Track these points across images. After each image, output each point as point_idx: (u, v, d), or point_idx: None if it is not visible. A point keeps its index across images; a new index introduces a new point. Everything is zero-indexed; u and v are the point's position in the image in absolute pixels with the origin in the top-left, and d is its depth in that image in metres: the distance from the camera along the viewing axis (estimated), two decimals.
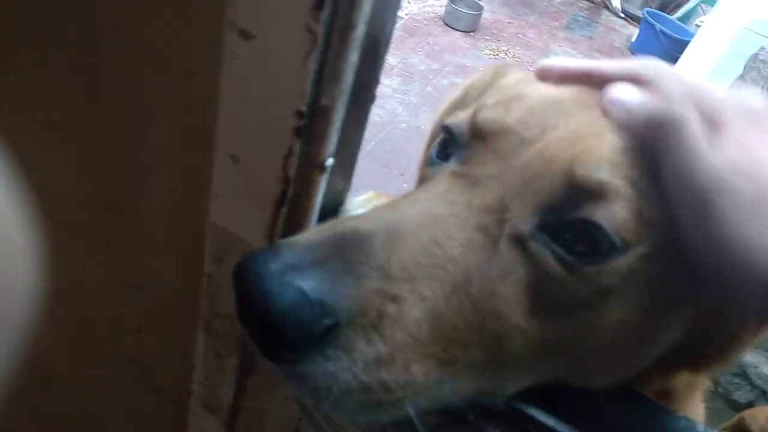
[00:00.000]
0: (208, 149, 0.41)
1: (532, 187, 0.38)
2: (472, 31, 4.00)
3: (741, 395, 1.70)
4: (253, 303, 0.33)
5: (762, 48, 2.05)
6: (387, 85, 3.23)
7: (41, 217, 0.58)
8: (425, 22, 3.96)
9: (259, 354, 0.35)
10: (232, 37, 0.34)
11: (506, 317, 0.37)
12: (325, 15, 0.31)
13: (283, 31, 0.32)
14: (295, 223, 0.43)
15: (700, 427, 0.42)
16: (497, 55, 3.86)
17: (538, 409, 0.43)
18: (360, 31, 0.33)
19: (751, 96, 0.38)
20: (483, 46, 3.92)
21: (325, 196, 0.44)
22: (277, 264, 0.33)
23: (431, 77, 3.46)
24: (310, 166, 0.39)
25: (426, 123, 3.10)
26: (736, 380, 1.70)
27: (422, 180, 0.48)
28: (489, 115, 0.42)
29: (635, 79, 0.39)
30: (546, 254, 0.37)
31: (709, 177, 0.33)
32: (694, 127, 0.34)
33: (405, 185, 2.75)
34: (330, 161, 0.39)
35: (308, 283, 0.33)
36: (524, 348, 0.38)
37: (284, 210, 0.42)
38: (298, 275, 0.33)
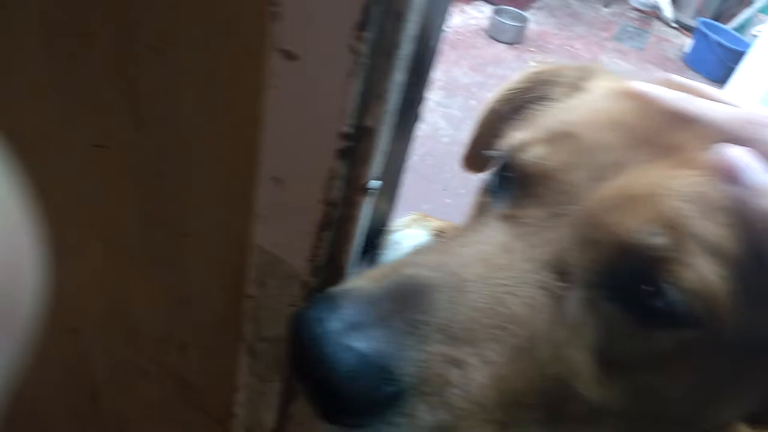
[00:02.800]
0: (251, 171, 0.41)
1: (590, 250, 0.35)
2: (516, 43, 3.95)
3: None
4: (311, 367, 0.32)
5: None
6: (430, 98, 3.22)
7: (92, 236, 0.58)
8: (469, 35, 3.94)
9: (318, 415, 0.34)
10: (275, 58, 0.33)
11: (571, 381, 0.35)
12: (368, 34, 0.30)
13: (326, 52, 0.31)
14: (338, 247, 0.42)
15: None
16: None
17: None
18: (405, 50, 0.31)
19: None
20: (528, 57, 3.87)
21: (369, 217, 0.42)
22: (335, 322, 0.32)
23: (475, 90, 3.43)
24: (354, 188, 0.38)
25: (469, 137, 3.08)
26: None
27: (479, 209, 0.45)
28: (534, 154, 0.40)
29: (737, 138, 0.35)
30: (617, 316, 0.35)
31: None
32: None
33: (447, 200, 2.72)
34: (374, 183, 0.38)
35: (370, 345, 0.31)
36: (585, 410, 0.36)
37: (328, 233, 0.40)
38: (359, 336, 0.31)
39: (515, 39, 3.95)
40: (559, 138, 0.40)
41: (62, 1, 0.44)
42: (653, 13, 4.90)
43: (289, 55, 0.33)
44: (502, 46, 3.90)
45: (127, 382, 0.79)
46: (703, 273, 0.32)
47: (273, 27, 0.32)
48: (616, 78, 0.49)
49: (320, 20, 0.30)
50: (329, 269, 0.43)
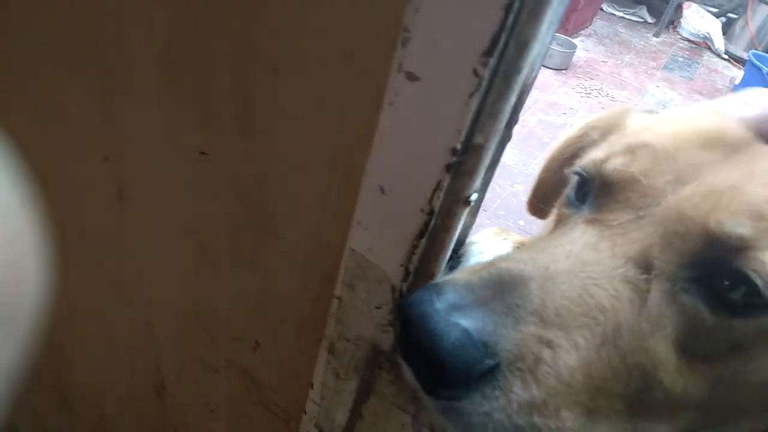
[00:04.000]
0: (356, 178, 0.44)
1: (674, 243, 0.38)
2: (564, 69, 3.96)
3: None
4: (420, 341, 0.35)
5: None
6: None
7: (184, 235, 0.62)
8: None
9: (418, 389, 0.37)
10: (398, 78, 0.36)
11: (653, 372, 0.37)
12: (493, 60, 0.33)
13: (450, 75, 0.34)
14: (431, 255, 0.44)
15: None
16: (590, 93, 3.80)
17: None
18: (523, 75, 0.34)
19: None
20: (575, 84, 3.87)
21: None
22: (442, 303, 0.35)
23: (520, 114, 3.45)
24: (455, 200, 0.41)
25: (511, 160, 3.08)
26: None
27: (559, 220, 0.48)
28: (615, 164, 0.43)
29: None
30: (699, 306, 0.37)
31: None
32: None
33: (488, 221, 2.73)
34: (475, 196, 0.41)
35: (472, 323, 0.34)
36: (665, 401, 0.38)
37: (423, 241, 0.43)
38: (462, 315, 0.35)
39: (562, 65, 3.96)
40: (637, 148, 0.43)
41: (187, 16, 0.49)
42: (704, 44, 4.84)
43: (412, 77, 0.36)
44: (549, 72, 3.92)
45: (193, 377, 0.83)
46: None
47: (399, 51, 0.35)
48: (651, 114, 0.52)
49: (448, 45, 0.34)
50: (419, 275, 0.46)
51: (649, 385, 0.38)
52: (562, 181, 0.58)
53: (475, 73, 0.34)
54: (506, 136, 0.45)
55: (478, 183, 0.40)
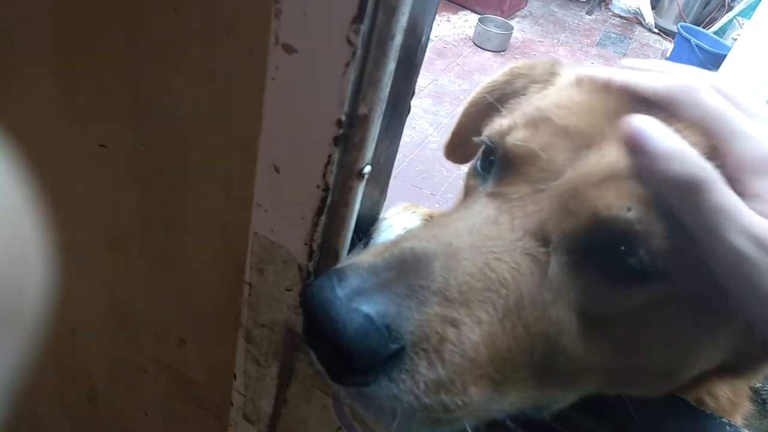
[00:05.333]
0: (250, 160, 0.43)
1: (567, 219, 0.38)
2: (502, 51, 4.01)
3: None
4: (323, 329, 0.34)
5: None
6: (417, 106, 3.26)
7: (93, 234, 0.60)
8: (455, 43, 4.00)
9: (326, 377, 0.36)
10: (276, 52, 0.36)
11: (556, 339, 0.38)
12: (364, 27, 0.32)
13: (325, 44, 0.34)
14: (333, 231, 0.44)
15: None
16: None
17: (581, 416, 0.42)
18: (397, 41, 0.34)
19: None
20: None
21: (362, 205, 0.45)
22: (343, 290, 0.35)
23: (461, 98, 3.48)
24: (349, 173, 0.40)
25: None
26: None
27: (467, 192, 0.49)
28: (516, 137, 0.43)
29: (671, 105, 0.38)
30: (595, 276, 0.38)
31: (747, 240, 0.32)
32: (724, 188, 0.33)
33: (437, 205, 2.75)
34: (368, 168, 0.40)
35: (375, 308, 0.34)
36: (570, 366, 0.39)
37: (323, 218, 0.43)
38: (364, 300, 0.34)
39: (501, 47, 4.01)
40: (537, 122, 0.43)
41: (69, 5, 0.46)
42: (635, 20, 5.00)
43: (290, 49, 0.35)
44: (487, 54, 3.96)
45: (124, 380, 0.80)
46: (660, 236, 0.35)
47: (274, 23, 0.35)
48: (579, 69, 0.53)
49: (318, 14, 0.33)
50: (324, 253, 0.46)
51: (554, 352, 0.39)
52: (479, 123, 0.57)
53: (348, 41, 0.33)
54: (403, 108, 0.45)
55: (369, 155, 0.40)
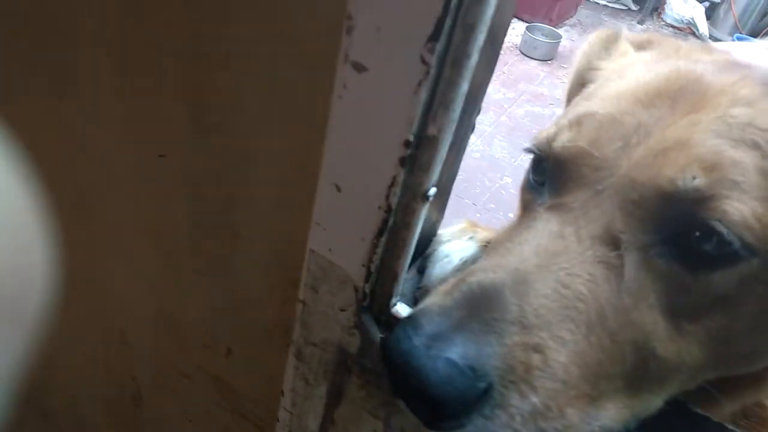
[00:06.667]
0: (312, 177, 0.42)
1: (633, 212, 0.37)
2: (549, 60, 3.94)
3: None
4: (407, 381, 0.34)
5: None
6: None
7: (145, 240, 0.60)
8: (501, 51, 3.95)
9: (421, 424, 0.36)
10: (344, 69, 0.34)
11: (644, 343, 0.37)
12: (439, 46, 0.31)
13: (397, 63, 0.32)
14: (392, 254, 0.42)
15: None
16: None
17: None
18: (473, 60, 0.32)
19: None
20: (561, 74, 3.86)
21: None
22: (420, 337, 0.34)
23: (506, 106, 3.43)
24: (413, 195, 0.39)
25: (500, 152, 3.07)
26: None
27: (525, 206, 0.47)
28: (563, 140, 0.42)
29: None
30: (675, 268, 0.37)
31: None
32: None
33: (478, 215, 2.71)
34: (433, 191, 0.39)
35: (455, 351, 0.33)
36: (662, 367, 0.38)
37: (383, 240, 0.41)
38: (443, 345, 0.34)
39: (548, 55, 3.94)
40: (581, 119, 0.42)
41: (132, 14, 0.46)
42: (688, 30, 4.84)
43: (359, 67, 0.34)
44: (534, 63, 3.90)
45: (169, 385, 0.81)
46: (744, 203, 0.33)
47: (345, 40, 0.33)
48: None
49: (392, 32, 0.31)
50: (382, 275, 0.44)
51: (644, 356, 0.37)
52: None
53: (423, 60, 0.31)
54: (468, 127, 0.43)
55: (435, 176, 0.38)
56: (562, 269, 0.37)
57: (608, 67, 0.51)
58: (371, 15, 0.32)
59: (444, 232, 0.53)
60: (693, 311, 0.37)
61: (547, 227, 0.39)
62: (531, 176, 0.47)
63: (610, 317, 0.36)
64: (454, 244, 0.50)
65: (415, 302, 0.48)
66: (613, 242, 0.37)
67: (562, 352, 0.35)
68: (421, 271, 0.50)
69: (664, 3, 4.92)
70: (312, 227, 0.44)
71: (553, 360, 0.35)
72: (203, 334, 0.67)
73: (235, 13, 0.41)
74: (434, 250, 0.50)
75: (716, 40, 4.72)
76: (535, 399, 0.34)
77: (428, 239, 0.51)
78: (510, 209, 2.76)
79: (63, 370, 1.01)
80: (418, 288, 0.49)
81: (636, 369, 0.37)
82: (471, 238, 0.50)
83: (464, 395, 0.33)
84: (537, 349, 0.34)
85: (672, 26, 4.90)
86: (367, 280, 0.44)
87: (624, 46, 0.51)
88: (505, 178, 2.88)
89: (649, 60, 0.45)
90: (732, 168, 0.34)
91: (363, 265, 0.43)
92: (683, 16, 4.86)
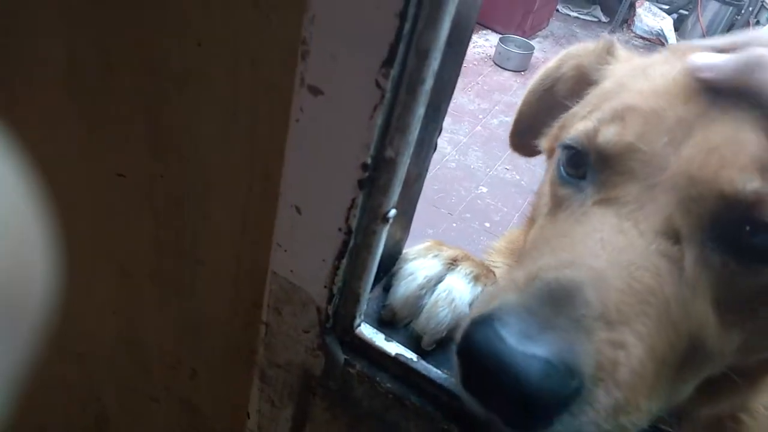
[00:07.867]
0: (272, 200, 0.41)
1: (692, 209, 0.38)
2: (522, 71, 4.00)
3: None
4: (500, 382, 0.33)
5: None
6: None
7: (106, 261, 0.58)
8: (475, 63, 3.99)
9: (500, 426, 0.35)
10: (301, 93, 0.34)
11: (698, 334, 0.38)
12: (394, 71, 0.31)
13: (352, 87, 0.32)
14: (354, 275, 0.42)
15: None
16: None
17: None
18: (428, 85, 0.32)
19: None
20: None
21: (385, 245, 0.43)
22: (512, 336, 0.33)
23: (481, 117, 3.46)
24: (373, 217, 0.38)
25: (475, 162, 3.09)
26: None
27: (558, 204, 0.47)
28: (608, 134, 0.42)
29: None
30: (729, 262, 0.38)
31: None
32: None
33: (454, 224, 2.72)
34: (393, 212, 0.39)
35: (549, 350, 0.33)
36: (704, 357, 0.40)
37: (344, 261, 0.41)
38: (535, 344, 0.33)
39: (521, 66, 3.99)
40: (623, 113, 0.42)
41: (88, 34, 0.46)
42: (658, 41, 4.95)
43: (316, 91, 0.34)
44: (507, 74, 3.95)
45: (135, 408, 0.79)
46: None
47: (301, 64, 0.33)
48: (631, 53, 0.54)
49: (347, 57, 0.31)
50: (345, 296, 0.44)
51: (694, 347, 0.39)
52: (541, 113, 0.58)
53: (378, 84, 0.31)
54: (429, 147, 0.43)
55: (394, 198, 0.38)
56: (632, 264, 0.37)
57: (618, 68, 0.52)
58: (326, 40, 0.32)
59: (410, 250, 0.52)
60: (740, 304, 0.39)
61: (604, 222, 0.40)
62: (564, 170, 0.47)
63: (674, 310, 0.37)
64: (419, 262, 0.49)
65: (380, 321, 0.47)
66: (673, 236, 0.38)
67: (639, 347, 0.35)
68: (387, 289, 0.50)
69: (634, 15, 5.04)
70: (273, 249, 0.44)
71: (633, 356, 0.35)
72: (166, 355, 0.66)
73: (193, 32, 0.41)
74: (399, 268, 0.50)
75: None
76: (618, 394, 0.34)
77: (394, 258, 0.51)
78: (485, 218, 2.77)
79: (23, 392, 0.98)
80: (383, 306, 0.49)
81: (684, 359, 0.39)
82: (436, 256, 0.49)
83: (559, 394, 0.32)
84: (621, 345, 0.35)
85: (641, 37, 5.01)
86: (329, 302, 0.44)
87: (623, 51, 0.53)
88: (480, 187, 2.90)
89: (670, 58, 0.47)
90: None
91: (325, 287, 0.43)
92: (652, 28, 4.97)
